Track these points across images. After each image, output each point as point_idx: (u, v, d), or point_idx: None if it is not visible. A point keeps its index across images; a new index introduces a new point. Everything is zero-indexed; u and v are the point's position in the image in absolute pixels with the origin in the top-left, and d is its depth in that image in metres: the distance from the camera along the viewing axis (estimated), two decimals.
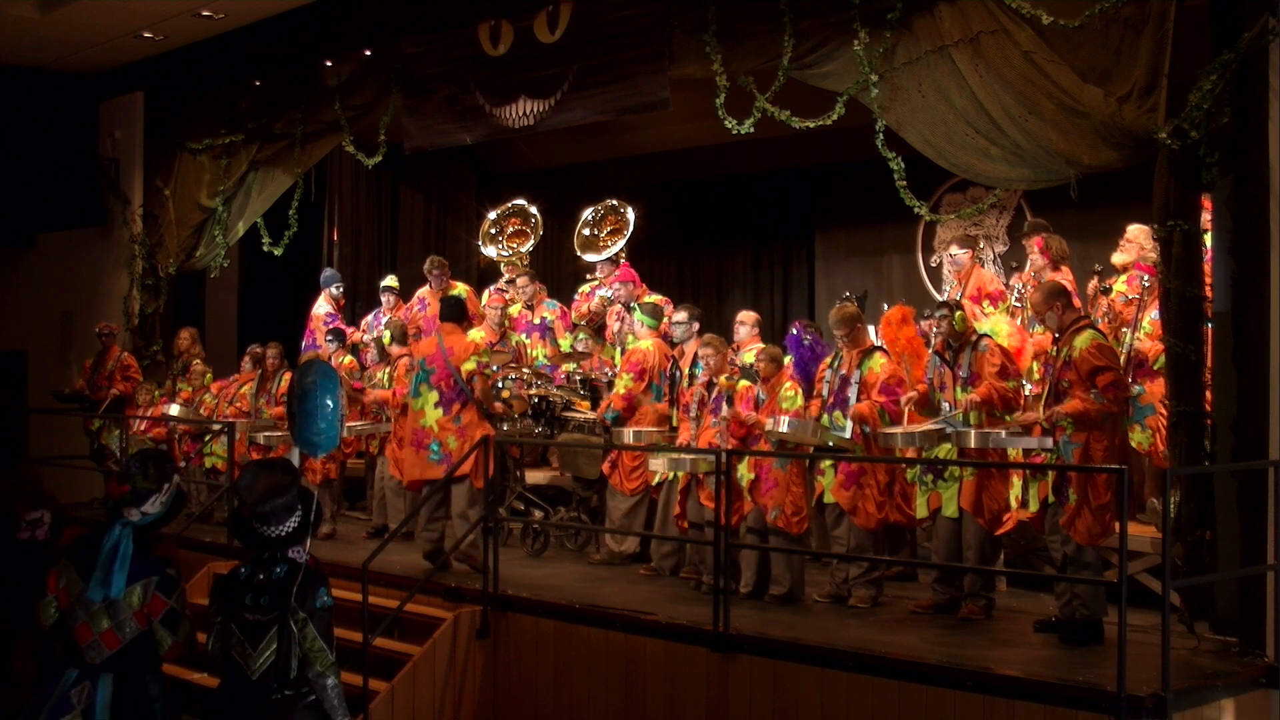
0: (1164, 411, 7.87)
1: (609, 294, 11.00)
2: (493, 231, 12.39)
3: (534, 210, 12.40)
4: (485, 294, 11.97)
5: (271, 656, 4.87)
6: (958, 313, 7.46)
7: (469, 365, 8.94)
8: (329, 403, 5.10)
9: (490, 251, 12.35)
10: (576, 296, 11.78)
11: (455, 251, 13.27)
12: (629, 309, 10.68)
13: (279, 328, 12.49)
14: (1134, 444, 7.87)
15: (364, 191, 14.82)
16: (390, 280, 12.22)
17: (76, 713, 5.10)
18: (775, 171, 13.35)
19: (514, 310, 11.43)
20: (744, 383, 8.22)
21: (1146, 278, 8.06)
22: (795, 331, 8.65)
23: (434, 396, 8.96)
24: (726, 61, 8.89)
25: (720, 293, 14.23)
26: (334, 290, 12.48)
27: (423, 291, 11.96)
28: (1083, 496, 6.76)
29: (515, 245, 12.23)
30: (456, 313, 9.34)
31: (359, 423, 10.61)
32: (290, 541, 4.95)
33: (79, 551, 5.20)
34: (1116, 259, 8.47)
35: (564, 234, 12.48)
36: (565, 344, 11.18)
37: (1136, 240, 8.33)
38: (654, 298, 10.26)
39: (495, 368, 9.76)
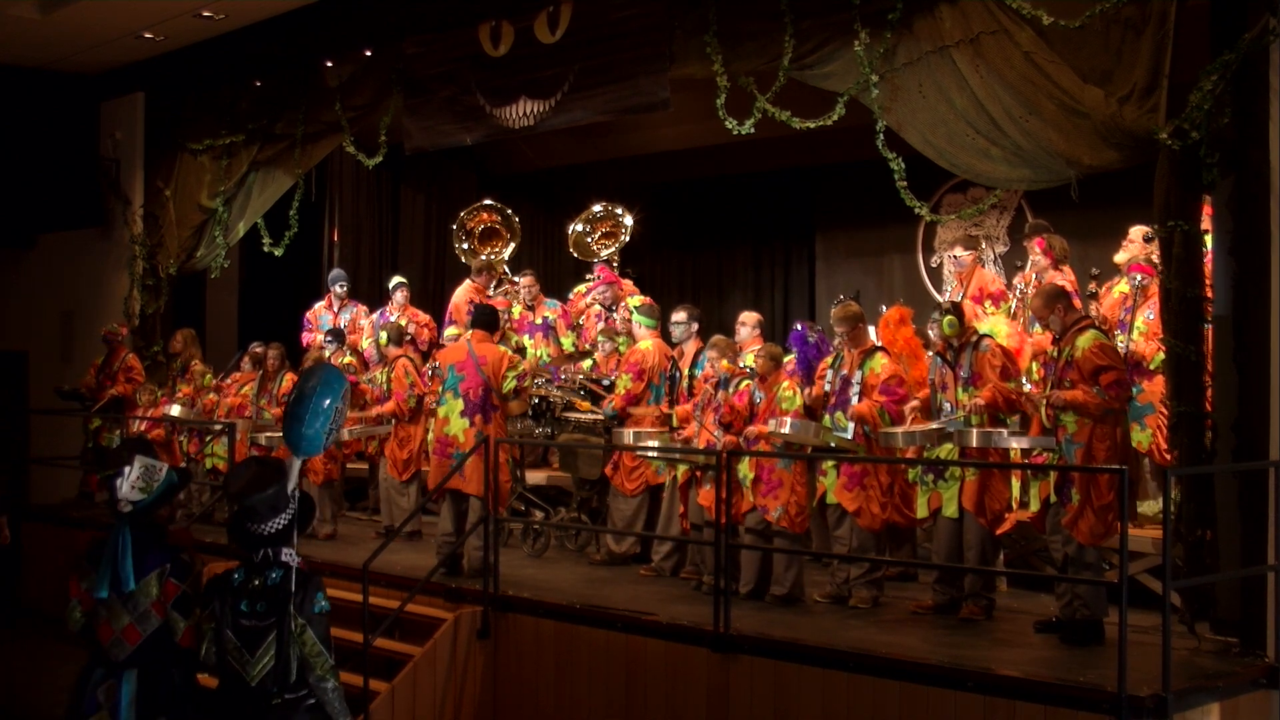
0: (1163, 410, 7.89)
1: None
2: (462, 236, 12.27)
3: (490, 202, 12.26)
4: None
5: (270, 662, 4.86)
6: (946, 318, 7.46)
7: (510, 385, 8.91)
8: (323, 408, 5.07)
9: (487, 256, 12.29)
10: (571, 296, 11.76)
11: (455, 252, 13.22)
12: (610, 310, 10.67)
13: (279, 328, 12.48)
14: (1133, 443, 7.87)
15: (364, 192, 14.80)
16: (400, 278, 12.18)
17: (104, 711, 5.12)
18: (775, 172, 13.36)
19: (515, 312, 11.42)
20: (745, 382, 8.23)
21: (1140, 277, 8.08)
22: (800, 329, 8.66)
23: (459, 405, 8.90)
24: (727, 62, 8.89)
25: (720, 293, 14.24)
26: (337, 289, 12.46)
27: (476, 285, 11.68)
28: (1085, 497, 6.76)
29: (494, 247, 12.14)
30: (489, 321, 9.30)
31: (360, 425, 10.60)
32: (279, 541, 4.94)
33: (94, 553, 5.23)
34: (1119, 258, 8.48)
35: (563, 234, 12.46)
36: (568, 343, 11.16)
37: (1136, 240, 8.35)
38: (639, 299, 10.24)
39: (540, 380, 9.72)
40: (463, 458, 8.61)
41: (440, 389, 9.17)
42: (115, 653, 5.15)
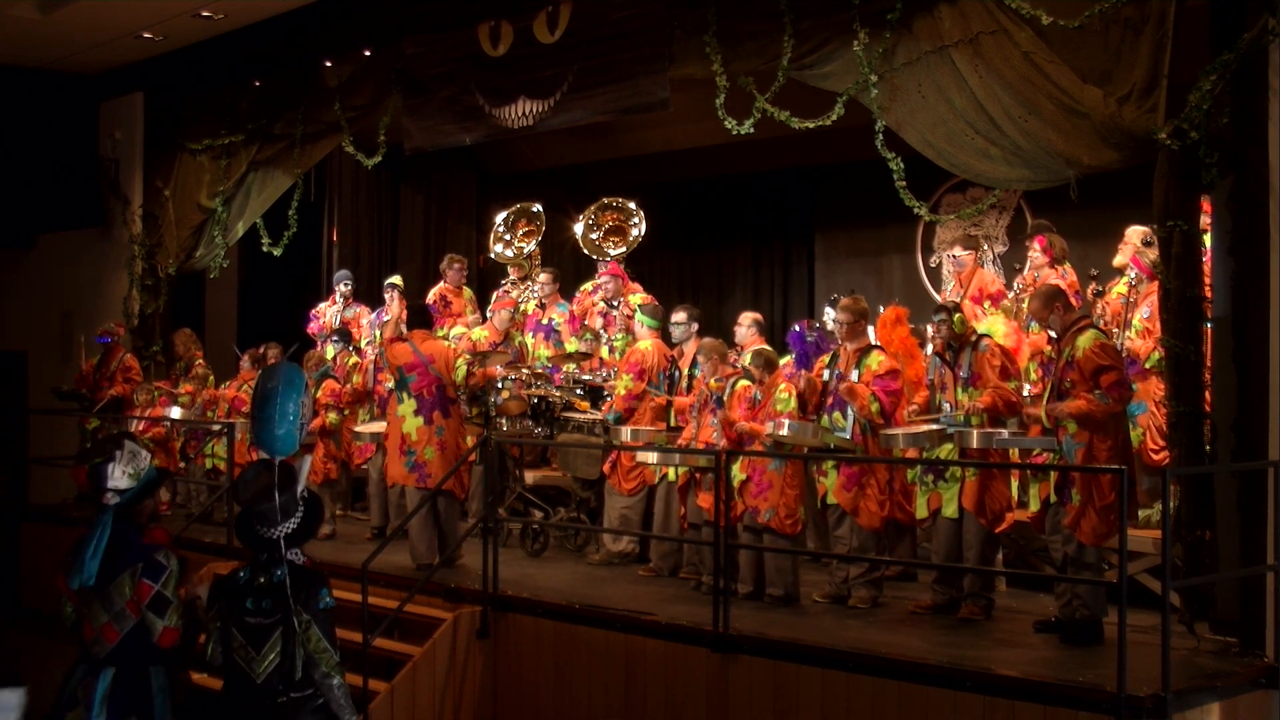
0: (1154, 410, 7.90)
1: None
2: (502, 231, 12.32)
3: (537, 208, 12.32)
4: (494, 296, 11.96)
5: (276, 659, 4.87)
6: (956, 315, 7.46)
7: (461, 372, 8.98)
8: (290, 409, 5.06)
9: (509, 253, 12.28)
10: (578, 294, 11.76)
11: (456, 252, 13.25)
12: (612, 305, 10.67)
13: (279, 328, 12.48)
14: None
15: (364, 192, 14.80)
16: (395, 279, 12.19)
17: (80, 707, 5.12)
18: (775, 171, 13.34)
19: (529, 307, 11.42)
20: (743, 383, 8.22)
21: (1135, 271, 8.08)
22: (799, 328, 8.68)
23: (412, 405, 8.95)
24: (726, 62, 8.89)
25: (720, 293, 14.23)
26: (342, 287, 12.47)
27: (444, 288, 11.87)
28: (1087, 497, 6.76)
29: (523, 245, 12.19)
30: (425, 319, 9.44)
31: (374, 426, 10.55)
32: (289, 543, 4.94)
33: (78, 549, 5.21)
34: (1117, 261, 8.48)
35: (565, 235, 12.45)
36: (571, 347, 11.17)
37: (1132, 241, 8.36)
38: (641, 296, 10.24)
39: (498, 367, 9.76)
40: (432, 464, 8.84)
41: (395, 389, 9.20)
42: (96, 650, 5.15)
